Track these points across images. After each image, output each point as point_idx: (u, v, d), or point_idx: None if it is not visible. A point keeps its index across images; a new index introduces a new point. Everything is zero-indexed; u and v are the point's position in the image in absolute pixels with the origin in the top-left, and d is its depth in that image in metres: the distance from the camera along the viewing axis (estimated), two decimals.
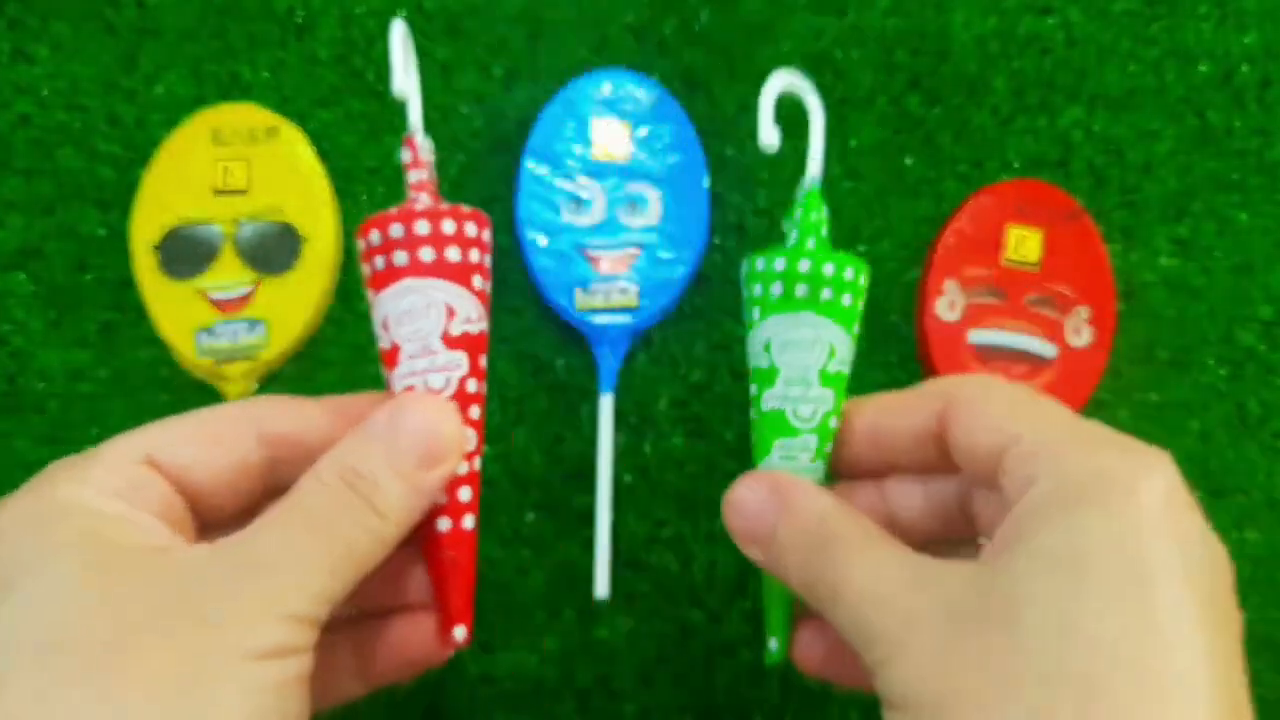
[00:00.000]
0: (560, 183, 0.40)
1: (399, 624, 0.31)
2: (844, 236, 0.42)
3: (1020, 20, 0.43)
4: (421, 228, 0.28)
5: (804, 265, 0.29)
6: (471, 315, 0.29)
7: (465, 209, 0.29)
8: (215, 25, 0.42)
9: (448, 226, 0.29)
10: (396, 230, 0.28)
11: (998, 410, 0.26)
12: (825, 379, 0.30)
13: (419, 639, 0.31)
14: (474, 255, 0.29)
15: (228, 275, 0.39)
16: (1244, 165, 0.43)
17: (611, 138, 0.40)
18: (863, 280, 0.30)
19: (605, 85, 0.41)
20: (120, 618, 0.22)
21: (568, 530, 0.40)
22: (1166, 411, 0.42)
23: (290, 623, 0.24)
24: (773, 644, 0.31)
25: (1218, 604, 0.23)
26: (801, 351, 0.30)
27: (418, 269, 0.28)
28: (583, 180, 0.40)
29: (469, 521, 0.30)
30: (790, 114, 0.42)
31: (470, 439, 0.28)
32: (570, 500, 0.40)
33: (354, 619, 0.30)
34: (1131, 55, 0.43)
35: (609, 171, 0.40)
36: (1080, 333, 0.40)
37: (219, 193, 0.40)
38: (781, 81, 0.30)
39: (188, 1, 0.42)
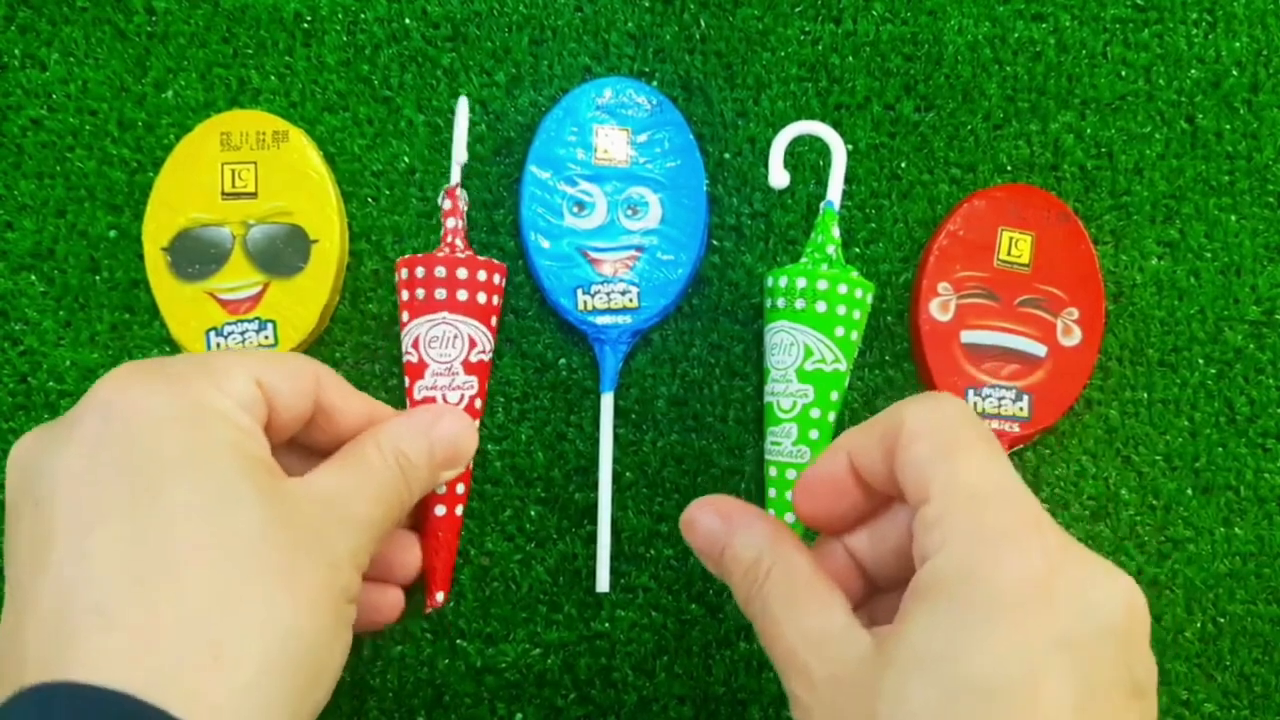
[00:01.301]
0: (562, 187, 0.41)
1: (387, 591, 0.36)
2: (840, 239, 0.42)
3: (1013, 26, 0.44)
4: (461, 273, 0.35)
5: (783, 281, 0.35)
6: (486, 347, 0.36)
7: (494, 261, 0.36)
8: (224, 31, 0.42)
9: (481, 275, 0.35)
10: (440, 271, 0.35)
11: (922, 454, 0.25)
12: (802, 376, 0.34)
13: (392, 605, 0.36)
14: (495, 299, 0.36)
15: (237, 277, 0.40)
16: (1233, 168, 0.44)
17: (612, 143, 0.41)
18: (842, 289, 0.34)
19: (606, 91, 0.41)
20: (278, 536, 0.25)
21: (570, 525, 0.41)
22: (1155, 410, 0.42)
23: (359, 574, 0.28)
24: None
25: (1090, 687, 0.22)
26: (781, 353, 0.35)
27: (453, 306, 0.35)
28: (584, 184, 0.41)
29: (459, 510, 0.37)
30: (789, 118, 0.43)
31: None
32: (572, 496, 0.41)
33: None
34: (1122, 60, 0.44)
35: (610, 176, 0.41)
36: (1070, 333, 0.41)
37: (228, 196, 0.41)
38: (796, 130, 0.35)
39: (197, 8, 0.43)
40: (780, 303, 0.35)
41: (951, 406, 0.26)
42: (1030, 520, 0.24)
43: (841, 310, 0.34)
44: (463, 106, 0.35)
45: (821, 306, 0.34)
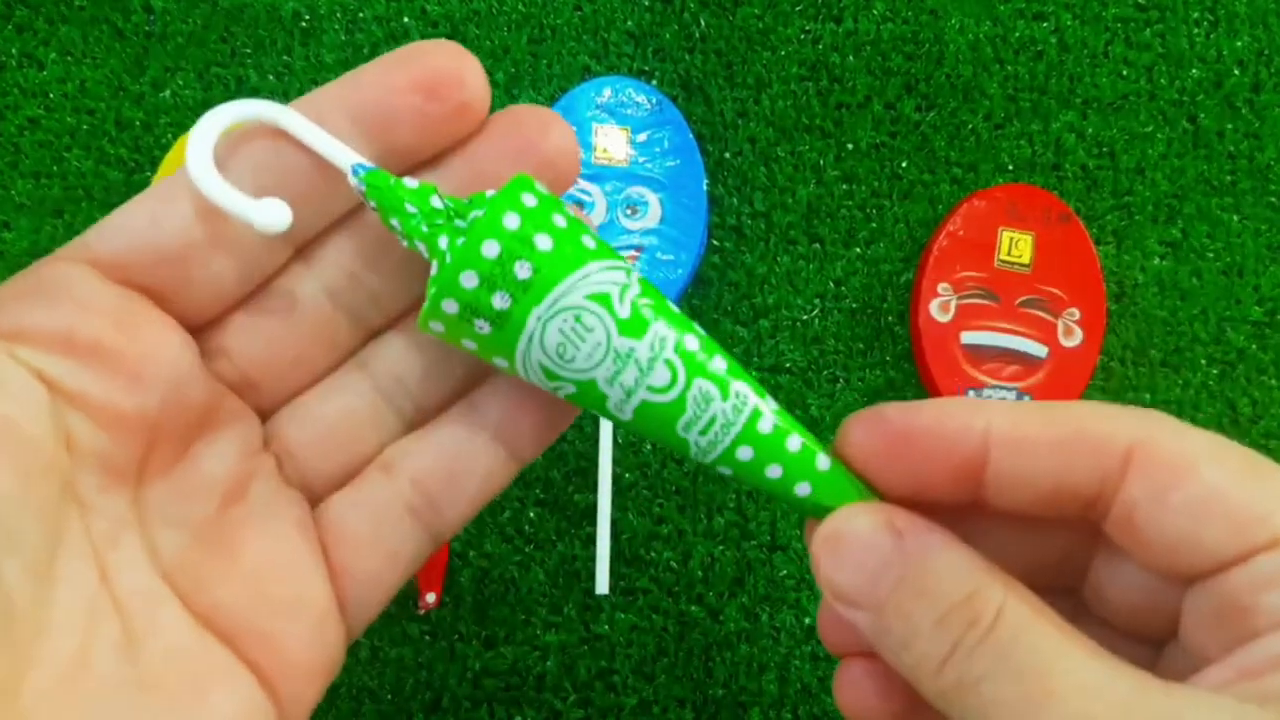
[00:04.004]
0: None
1: None
2: (840, 238, 0.42)
3: (1014, 26, 0.44)
4: None
5: (468, 279, 0.19)
6: None
7: None
8: (222, 30, 0.42)
9: None
10: None
11: (1225, 481, 0.17)
12: (628, 327, 0.20)
13: None
14: None
15: None
16: (1235, 168, 0.43)
17: (612, 142, 0.41)
18: (529, 202, 0.20)
19: (606, 91, 0.41)
20: None
21: (569, 527, 0.41)
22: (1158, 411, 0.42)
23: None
24: None
25: None
26: (580, 342, 0.20)
27: None
28: (583, 183, 0.41)
29: None
30: (789, 117, 0.42)
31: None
32: (571, 497, 0.41)
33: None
34: (1124, 60, 0.44)
35: (609, 175, 0.41)
36: (1071, 333, 0.41)
37: None
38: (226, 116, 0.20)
39: (195, 7, 0.42)
40: (500, 302, 0.19)
41: (1187, 426, 0.18)
42: None
43: (559, 223, 0.20)
44: None
45: (544, 243, 0.19)
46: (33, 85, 0.42)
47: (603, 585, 0.40)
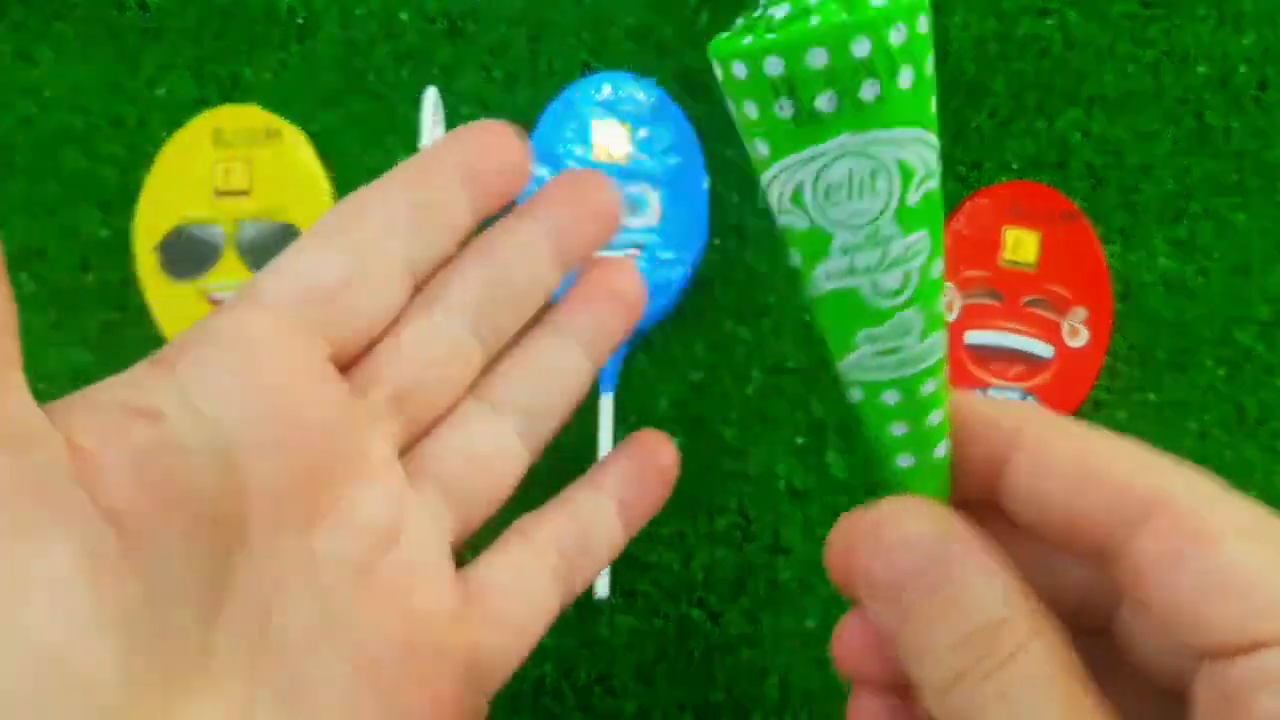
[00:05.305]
0: None
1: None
2: None
3: (1019, 22, 0.43)
4: None
5: (818, 58, 0.16)
6: None
7: None
8: (217, 27, 0.42)
9: None
10: None
11: (1248, 560, 0.17)
12: (907, 217, 0.18)
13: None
14: None
15: (229, 276, 0.40)
16: (1242, 166, 0.43)
17: (611, 139, 0.41)
18: (922, 27, 0.17)
19: (605, 87, 0.41)
20: None
21: None
22: (1164, 412, 0.42)
23: None
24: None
25: None
26: (856, 197, 0.18)
27: None
28: None
29: None
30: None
31: None
32: None
33: None
34: (1129, 57, 0.43)
35: (609, 172, 0.40)
36: (1077, 334, 0.41)
37: (220, 194, 0.40)
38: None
39: (190, 3, 0.42)
40: (825, 103, 0.17)
41: (1227, 493, 0.18)
42: None
43: (907, 80, 0.17)
44: (430, 98, 0.33)
45: (906, 78, 0.17)
46: (27, 83, 0.42)
47: (602, 588, 0.39)
